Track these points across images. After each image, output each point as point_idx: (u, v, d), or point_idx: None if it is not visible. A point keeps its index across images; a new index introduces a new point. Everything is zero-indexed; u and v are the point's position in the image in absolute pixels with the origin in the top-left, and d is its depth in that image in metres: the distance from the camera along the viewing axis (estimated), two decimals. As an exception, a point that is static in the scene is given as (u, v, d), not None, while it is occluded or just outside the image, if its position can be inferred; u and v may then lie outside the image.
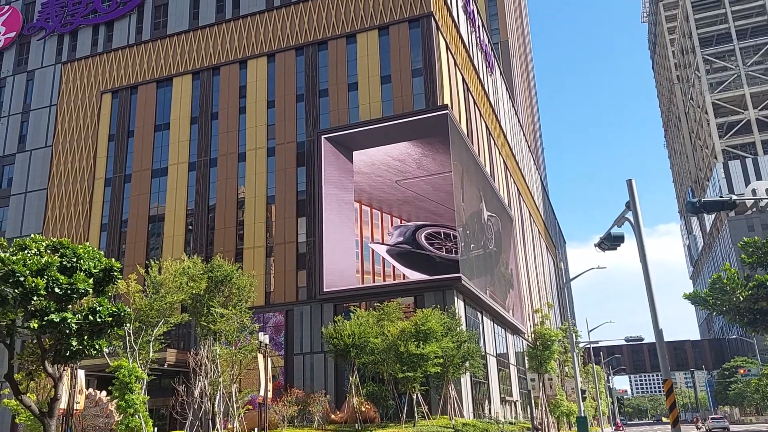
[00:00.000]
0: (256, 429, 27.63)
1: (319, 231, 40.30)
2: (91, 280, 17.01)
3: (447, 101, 42.82)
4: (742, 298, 34.75)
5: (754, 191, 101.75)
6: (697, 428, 74.00)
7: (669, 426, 16.68)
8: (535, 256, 79.30)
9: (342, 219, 39.93)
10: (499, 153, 63.34)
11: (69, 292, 16.43)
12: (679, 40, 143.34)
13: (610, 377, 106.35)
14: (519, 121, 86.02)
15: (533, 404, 55.17)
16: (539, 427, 45.55)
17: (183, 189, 47.03)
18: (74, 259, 17.29)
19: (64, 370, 18.44)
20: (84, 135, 52.00)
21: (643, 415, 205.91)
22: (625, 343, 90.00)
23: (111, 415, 25.61)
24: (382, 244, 38.84)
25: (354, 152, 41.14)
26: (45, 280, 16.06)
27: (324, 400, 33.08)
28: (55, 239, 17.97)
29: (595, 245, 19.74)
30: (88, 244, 18.50)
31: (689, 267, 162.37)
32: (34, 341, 17.55)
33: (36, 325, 16.03)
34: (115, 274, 18.05)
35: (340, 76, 44.82)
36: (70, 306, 16.90)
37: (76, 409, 23.95)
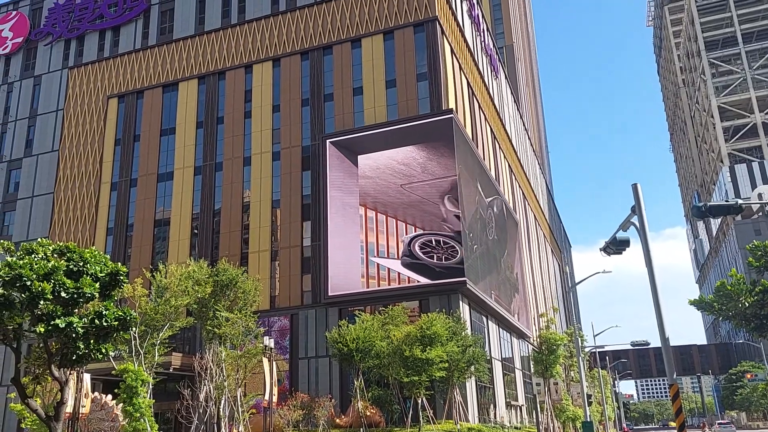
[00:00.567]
0: (261, 433, 27.63)
1: (324, 235, 40.34)
2: (97, 285, 17.07)
3: (452, 105, 42.85)
4: (748, 304, 34.62)
5: (760, 195, 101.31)
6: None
7: (675, 431, 16.61)
8: (540, 260, 79.14)
9: (347, 223, 39.97)
10: (504, 157, 63.31)
11: (75, 296, 16.50)
12: (684, 43, 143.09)
13: (616, 382, 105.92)
14: (524, 124, 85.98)
15: (539, 409, 54.98)
16: None
17: (188, 193, 47.17)
18: (81, 264, 17.36)
19: (70, 373, 18.49)
20: (90, 139, 52.25)
21: (649, 420, 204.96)
22: (631, 347, 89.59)
23: (116, 418, 25.66)
24: (387, 258, 38.85)
25: (359, 156, 41.21)
26: (51, 285, 16.13)
27: (329, 404, 33.08)
28: (61, 243, 18.05)
29: (601, 250, 19.71)
30: (94, 248, 18.58)
31: (695, 271, 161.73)
32: (41, 345, 17.62)
33: (42, 329, 16.09)
34: (121, 278, 18.11)
35: (345, 80, 44.93)
36: (76, 310, 16.96)
37: (82, 413, 24.03)
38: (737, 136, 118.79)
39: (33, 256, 17.06)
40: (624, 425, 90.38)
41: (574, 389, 61.51)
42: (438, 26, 43.62)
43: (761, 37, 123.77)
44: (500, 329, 49.00)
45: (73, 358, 16.99)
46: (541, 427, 44.39)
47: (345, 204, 40.41)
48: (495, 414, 41.91)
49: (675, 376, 16.72)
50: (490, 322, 45.38)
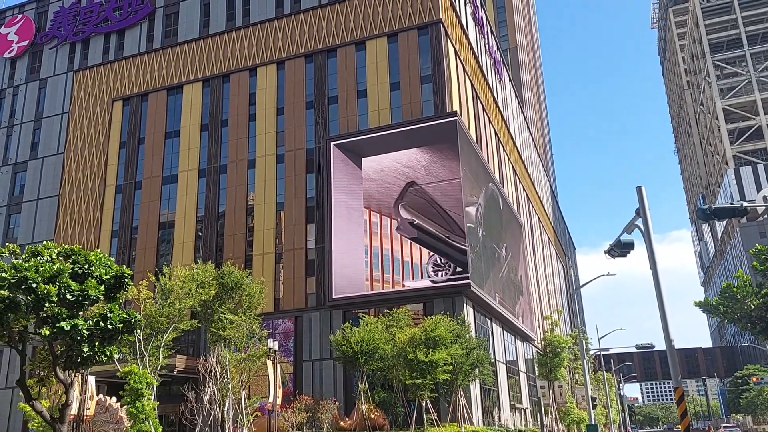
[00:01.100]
0: (265, 436, 27.63)
1: (328, 237, 40.37)
2: (102, 287, 17.11)
3: (456, 108, 42.86)
4: (753, 306, 34.45)
5: (765, 197, 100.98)
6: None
7: (680, 434, 16.54)
8: (544, 263, 79.01)
9: (351, 225, 39.99)
10: (509, 159, 63.26)
11: (80, 298, 16.54)
12: (689, 45, 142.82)
13: (620, 385, 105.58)
14: (528, 127, 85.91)
15: (543, 412, 54.88)
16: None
17: (193, 196, 47.28)
18: (86, 266, 17.40)
19: (75, 376, 18.54)
20: (95, 142, 52.43)
21: (654, 423, 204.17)
22: (636, 350, 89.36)
23: (121, 421, 25.71)
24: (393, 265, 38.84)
25: (363, 159, 41.24)
26: (57, 287, 16.18)
27: (333, 406, 33.05)
28: (66, 246, 18.11)
29: (605, 252, 19.66)
30: (99, 250, 18.63)
31: (700, 274, 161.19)
32: (46, 347, 17.67)
33: (47, 332, 16.14)
34: (126, 280, 18.15)
35: (349, 83, 44.99)
36: (81, 312, 17.01)
37: (87, 415, 24.08)
38: (742, 139, 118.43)
39: (38, 258, 17.11)
40: (629, 428, 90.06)
41: (579, 392, 61.36)
42: (442, 29, 43.65)
43: (766, 39, 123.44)
44: (504, 332, 48.92)
45: (78, 360, 17.03)
46: (546, 430, 44.29)
47: (349, 206, 40.44)
48: (499, 417, 41.82)
49: (680, 379, 16.66)
50: (494, 324, 45.32)
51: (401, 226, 38.82)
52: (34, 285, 15.89)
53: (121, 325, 17.07)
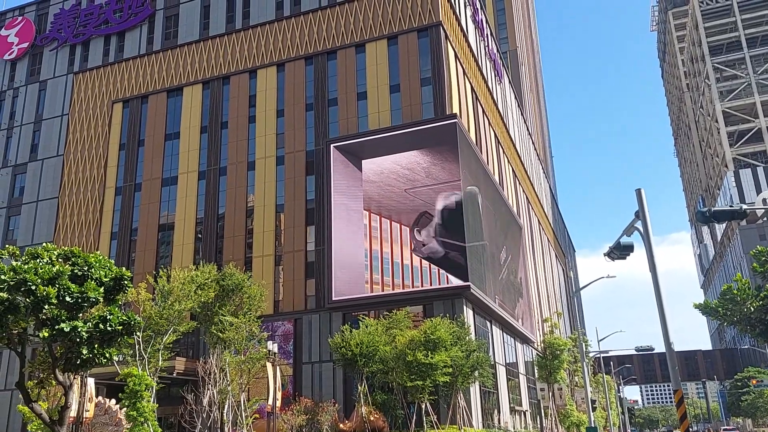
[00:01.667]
0: (264, 438, 27.61)
1: (328, 239, 40.36)
2: (101, 289, 17.10)
3: (456, 110, 42.88)
4: (753, 309, 34.46)
5: (764, 200, 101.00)
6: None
7: (680, 437, 16.53)
8: (544, 265, 78.99)
9: (351, 227, 39.99)
10: (508, 161, 63.28)
11: (80, 300, 16.53)
12: (688, 48, 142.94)
13: (620, 387, 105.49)
14: (528, 129, 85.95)
15: (543, 414, 54.82)
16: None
17: (193, 198, 47.28)
18: (85, 268, 17.40)
19: (74, 378, 18.52)
20: (95, 144, 52.44)
21: (654, 426, 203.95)
22: (636, 352, 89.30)
23: (120, 423, 25.68)
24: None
25: (363, 161, 41.25)
26: (56, 289, 16.17)
27: (333, 409, 33.04)
28: (66, 248, 18.10)
29: (605, 254, 19.67)
30: (98, 252, 18.63)
31: (700, 276, 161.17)
32: (45, 349, 17.65)
33: (47, 334, 16.13)
34: (126, 282, 18.15)
35: (349, 85, 45.01)
36: (80, 314, 17.00)
37: (86, 417, 24.06)
38: (742, 141, 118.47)
39: (38, 260, 17.11)
40: (628, 431, 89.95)
41: (579, 394, 61.34)
42: (442, 31, 43.69)
43: (765, 42, 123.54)
44: (504, 334, 48.89)
45: (78, 362, 17.02)
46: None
47: (349, 208, 40.43)
48: (499, 419, 41.79)
49: (680, 381, 16.65)
50: (494, 326, 45.30)
51: (416, 248, 38.64)
52: (33, 287, 15.89)
53: (120, 328, 17.06)
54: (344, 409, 36.27)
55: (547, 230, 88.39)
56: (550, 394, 55.93)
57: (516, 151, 69.00)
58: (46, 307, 16.07)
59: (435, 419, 32.36)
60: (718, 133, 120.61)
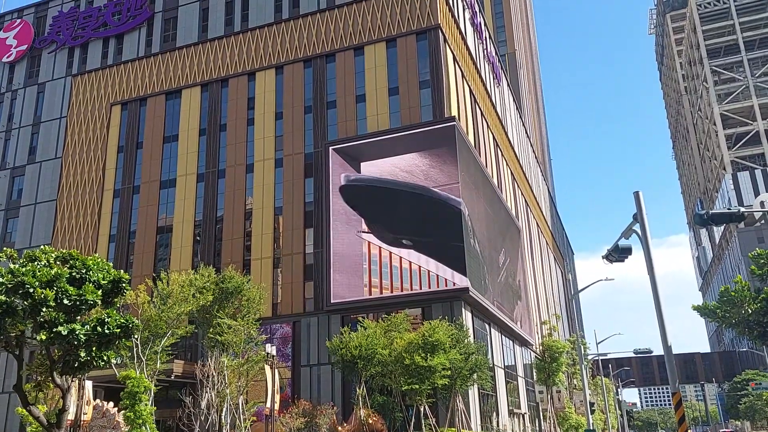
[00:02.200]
0: (262, 441, 27.56)
1: (327, 242, 40.33)
2: (99, 292, 17.08)
3: (454, 113, 42.92)
4: (751, 311, 34.51)
5: (762, 203, 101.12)
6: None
7: (678, 440, 16.52)
8: (543, 268, 79.01)
9: (349, 230, 39.97)
10: (507, 164, 63.33)
11: (78, 303, 16.51)
12: (686, 51, 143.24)
13: (619, 390, 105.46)
14: (526, 132, 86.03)
15: (541, 417, 54.81)
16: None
17: (191, 200, 47.25)
18: (83, 271, 17.38)
19: (72, 381, 18.49)
20: (93, 147, 52.41)
21: (652, 429, 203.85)
22: (634, 355, 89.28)
23: (118, 426, 25.62)
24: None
25: (362, 163, 41.25)
26: (54, 292, 16.15)
27: (331, 412, 33.01)
28: (64, 251, 18.09)
29: (603, 257, 19.68)
30: (96, 255, 18.61)
31: (698, 279, 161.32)
32: (43, 352, 17.62)
33: (45, 337, 16.11)
34: (124, 285, 18.13)
35: (347, 87, 45.04)
36: (78, 317, 16.97)
37: (84, 420, 24.00)
38: (740, 144, 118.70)
39: (36, 263, 17.09)
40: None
41: (577, 397, 61.35)
42: (440, 34, 43.75)
43: (763, 45, 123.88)
44: (503, 337, 48.88)
45: (75, 365, 16.99)
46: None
47: (347, 211, 40.42)
48: (497, 422, 41.76)
49: (678, 384, 16.65)
50: (492, 329, 45.28)
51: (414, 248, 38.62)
52: (31, 290, 15.86)
53: (118, 330, 17.03)
54: (342, 412, 36.22)
55: (545, 233, 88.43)
56: (549, 396, 55.91)
57: (514, 153, 69.06)
58: (44, 309, 16.04)
59: (434, 422, 32.33)
60: (716, 135, 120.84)
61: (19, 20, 60.10)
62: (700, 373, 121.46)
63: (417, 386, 30.39)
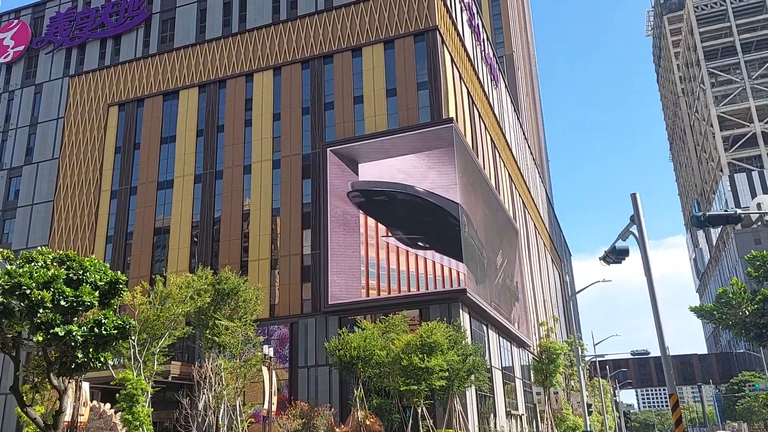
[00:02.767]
0: (260, 442, 27.54)
1: (325, 243, 40.32)
2: (96, 293, 17.06)
3: (452, 114, 42.94)
4: (748, 312, 34.58)
5: (759, 205, 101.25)
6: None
7: (676, 441, 16.54)
8: (540, 269, 79.06)
9: (347, 231, 39.96)
10: (504, 166, 63.38)
11: (75, 304, 16.48)
12: (683, 53, 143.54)
13: (616, 391, 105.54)
14: (524, 133, 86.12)
15: (539, 418, 54.84)
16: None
17: (188, 201, 47.19)
18: (80, 272, 17.35)
19: (69, 382, 18.45)
20: (90, 147, 52.34)
21: (650, 430, 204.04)
22: (632, 356, 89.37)
23: (115, 427, 25.57)
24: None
25: (359, 165, 41.25)
26: (51, 293, 16.12)
27: (328, 413, 33.00)
28: (61, 252, 18.06)
29: (600, 259, 19.71)
30: (93, 256, 18.58)
31: (696, 280, 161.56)
32: (40, 353, 17.59)
33: (41, 338, 16.07)
34: (121, 286, 18.11)
35: (345, 89, 45.05)
36: (75, 318, 16.94)
37: (81, 422, 23.94)
38: (737, 146, 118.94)
39: (32, 264, 17.06)
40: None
41: (575, 398, 61.39)
42: (438, 35, 43.78)
43: (760, 47, 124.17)
44: (500, 338, 48.90)
45: (72, 366, 16.96)
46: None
47: (345, 212, 40.42)
48: (495, 423, 41.77)
49: (675, 385, 16.68)
50: (490, 330, 45.30)
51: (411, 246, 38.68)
52: (28, 291, 15.83)
53: (115, 332, 17.01)
54: (340, 413, 36.20)
55: (543, 234, 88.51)
56: (546, 398, 55.95)
57: (512, 155, 69.12)
58: (41, 311, 16.01)
59: (431, 423, 32.32)
60: (713, 137, 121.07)
61: (16, 21, 60.02)
62: (697, 374, 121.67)
63: (415, 387, 30.38)
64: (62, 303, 16.27)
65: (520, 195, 71.22)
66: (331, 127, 44.54)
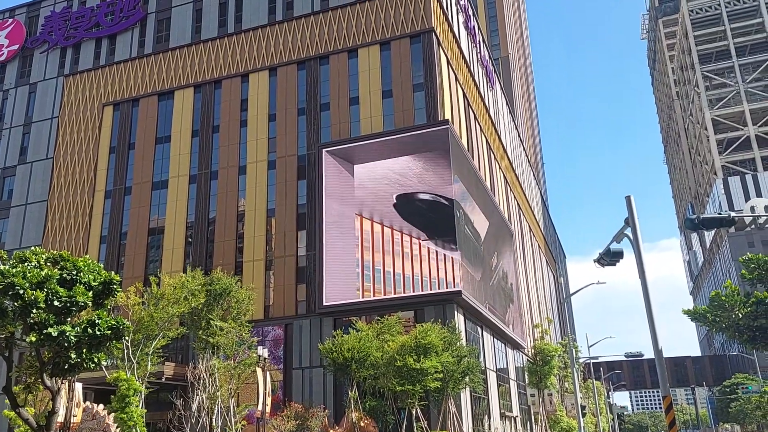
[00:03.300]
0: (254, 444, 27.48)
1: (320, 244, 40.28)
2: (90, 293, 17.00)
3: (448, 116, 42.98)
4: (741, 315, 34.67)
5: (752, 208, 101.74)
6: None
7: (669, 443, 16.58)
8: (535, 271, 79.18)
9: (343, 232, 39.94)
10: (500, 167, 63.48)
11: (68, 304, 16.42)
12: (678, 56, 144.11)
13: (610, 393, 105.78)
14: (519, 135, 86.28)
15: (533, 420, 54.91)
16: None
17: (183, 202, 47.09)
18: (74, 272, 17.29)
19: (62, 383, 18.37)
20: (85, 147, 52.16)
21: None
22: (625, 358, 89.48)
23: (108, 428, 25.45)
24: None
25: (355, 166, 41.24)
26: (44, 293, 16.05)
27: (323, 414, 32.94)
28: (55, 252, 17.99)
29: (595, 261, 19.75)
30: (87, 256, 18.51)
31: (689, 283, 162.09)
32: (33, 354, 17.51)
33: (35, 338, 16.01)
34: (115, 287, 18.04)
35: (341, 90, 45.04)
36: (69, 319, 16.88)
37: (74, 423, 23.82)
38: (731, 149, 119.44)
39: (26, 264, 16.98)
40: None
41: (569, 400, 61.49)
42: (434, 37, 43.83)
43: (754, 51, 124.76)
44: (495, 340, 48.94)
45: (66, 367, 16.89)
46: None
47: (341, 213, 40.39)
48: (489, 425, 41.79)
49: (669, 387, 16.73)
50: (485, 332, 45.33)
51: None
52: (21, 291, 15.77)
53: (109, 332, 16.95)
54: (334, 414, 36.15)
55: (537, 236, 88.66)
56: (541, 399, 56.03)
57: (507, 157, 69.23)
58: (34, 311, 15.95)
59: (425, 425, 32.31)
60: (708, 140, 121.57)
61: (11, 20, 59.78)
62: (691, 376, 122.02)
63: (409, 389, 30.37)
64: (56, 303, 16.20)
65: (515, 197, 71.33)
66: (327, 128, 44.51)
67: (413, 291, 37.77)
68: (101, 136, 51.93)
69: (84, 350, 16.80)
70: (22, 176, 54.11)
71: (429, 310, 37.46)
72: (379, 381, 32.15)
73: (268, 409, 29.36)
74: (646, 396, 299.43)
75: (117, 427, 24.08)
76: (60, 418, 20.70)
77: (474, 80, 55.47)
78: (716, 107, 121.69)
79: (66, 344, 16.29)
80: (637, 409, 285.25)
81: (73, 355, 16.59)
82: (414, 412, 31.61)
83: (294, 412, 32.64)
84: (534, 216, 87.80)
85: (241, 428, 31.03)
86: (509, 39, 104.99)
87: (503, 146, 67.12)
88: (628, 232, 17.94)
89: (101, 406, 26.45)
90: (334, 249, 39.71)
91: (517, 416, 52.40)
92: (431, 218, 38.97)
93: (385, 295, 38.06)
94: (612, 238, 18.89)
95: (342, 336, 33.01)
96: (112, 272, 18.53)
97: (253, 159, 45.87)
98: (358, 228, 39.78)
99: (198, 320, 32.08)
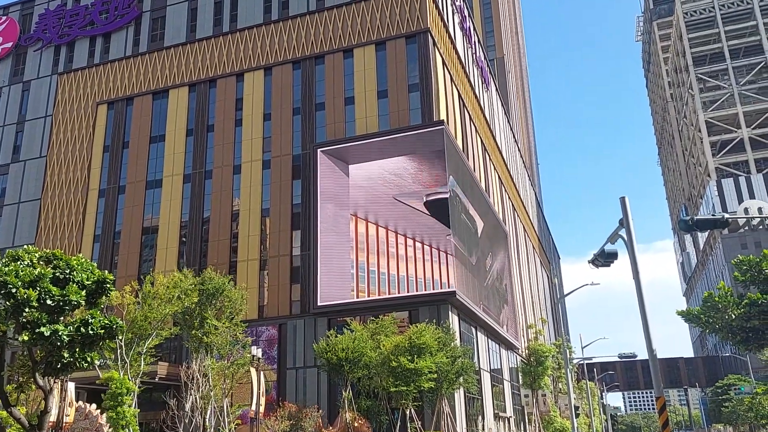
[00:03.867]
0: (247, 444, 27.42)
1: (314, 244, 40.22)
2: (83, 292, 16.92)
3: (443, 116, 43.01)
4: (734, 316, 34.84)
5: (746, 210, 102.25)
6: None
7: (662, 444, 16.62)
8: (529, 272, 79.31)
9: (337, 232, 39.90)
10: (494, 168, 63.55)
11: (61, 303, 16.34)
12: (672, 59, 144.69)
13: (603, 394, 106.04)
14: (514, 136, 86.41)
15: (527, 420, 55.01)
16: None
17: (177, 201, 46.94)
18: (67, 271, 17.21)
19: (54, 382, 18.28)
20: (79, 146, 51.94)
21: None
22: (619, 359, 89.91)
23: (101, 428, 25.35)
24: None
25: (350, 166, 41.22)
26: (37, 292, 15.97)
27: (317, 414, 32.90)
28: (48, 250, 17.91)
29: (589, 262, 19.78)
30: (81, 255, 18.42)
31: (683, 284, 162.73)
32: (25, 353, 17.43)
33: (27, 337, 15.92)
34: (108, 286, 17.97)
35: (336, 90, 45.00)
36: (62, 318, 16.80)
37: (66, 422, 23.71)
38: (724, 151, 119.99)
39: (19, 263, 16.89)
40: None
41: (562, 401, 61.62)
42: (430, 38, 43.84)
43: (748, 53, 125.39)
44: (489, 340, 48.98)
45: (58, 366, 16.82)
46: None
47: (336, 213, 40.36)
48: (483, 425, 41.82)
49: (662, 388, 16.77)
50: (479, 332, 45.37)
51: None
52: (13, 290, 15.68)
53: (102, 331, 16.88)
54: (328, 414, 36.11)
55: (532, 237, 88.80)
56: (534, 400, 56.12)
57: (502, 158, 69.33)
58: (27, 310, 15.86)
59: (419, 425, 32.31)
60: (701, 142, 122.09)
61: (4, 17, 59.50)
62: (684, 377, 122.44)
63: (403, 389, 30.37)
64: (48, 302, 16.13)
65: (509, 197, 71.43)
66: (322, 128, 44.47)
67: (408, 291, 37.78)
68: (95, 134, 51.73)
69: (77, 349, 16.73)
70: (15, 175, 53.85)
71: (423, 311, 37.46)
72: (373, 381, 32.14)
73: (261, 409, 29.31)
74: (639, 397, 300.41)
75: (109, 427, 23.99)
76: (52, 417, 20.59)
77: (469, 81, 55.52)
78: (710, 109, 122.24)
79: (59, 343, 16.22)
80: (631, 409, 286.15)
81: (65, 355, 16.52)
82: (408, 413, 31.61)
83: (288, 412, 32.60)
84: (528, 216, 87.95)
85: (235, 428, 30.95)
86: (504, 40, 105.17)
87: (498, 147, 67.21)
88: (623, 233, 17.98)
89: (94, 405, 26.35)
90: (329, 249, 39.68)
91: (510, 417, 52.47)
92: (426, 218, 38.97)
93: (379, 295, 38.05)
94: (606, 239, 18.93)
95: (336, 336, 32.97)
96: (106, 271, 18.45)
97: (248, 158, 45.78)
98: (353, 228, 39.76)
99: (191, 319, 31.98)
